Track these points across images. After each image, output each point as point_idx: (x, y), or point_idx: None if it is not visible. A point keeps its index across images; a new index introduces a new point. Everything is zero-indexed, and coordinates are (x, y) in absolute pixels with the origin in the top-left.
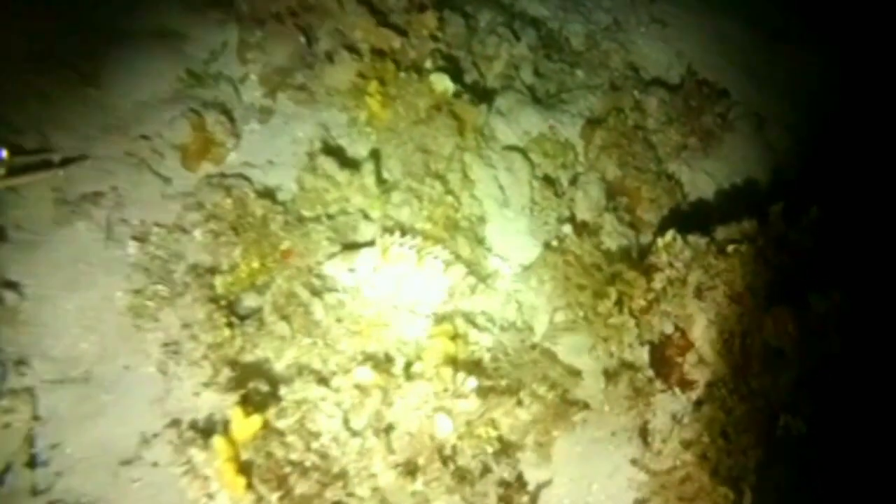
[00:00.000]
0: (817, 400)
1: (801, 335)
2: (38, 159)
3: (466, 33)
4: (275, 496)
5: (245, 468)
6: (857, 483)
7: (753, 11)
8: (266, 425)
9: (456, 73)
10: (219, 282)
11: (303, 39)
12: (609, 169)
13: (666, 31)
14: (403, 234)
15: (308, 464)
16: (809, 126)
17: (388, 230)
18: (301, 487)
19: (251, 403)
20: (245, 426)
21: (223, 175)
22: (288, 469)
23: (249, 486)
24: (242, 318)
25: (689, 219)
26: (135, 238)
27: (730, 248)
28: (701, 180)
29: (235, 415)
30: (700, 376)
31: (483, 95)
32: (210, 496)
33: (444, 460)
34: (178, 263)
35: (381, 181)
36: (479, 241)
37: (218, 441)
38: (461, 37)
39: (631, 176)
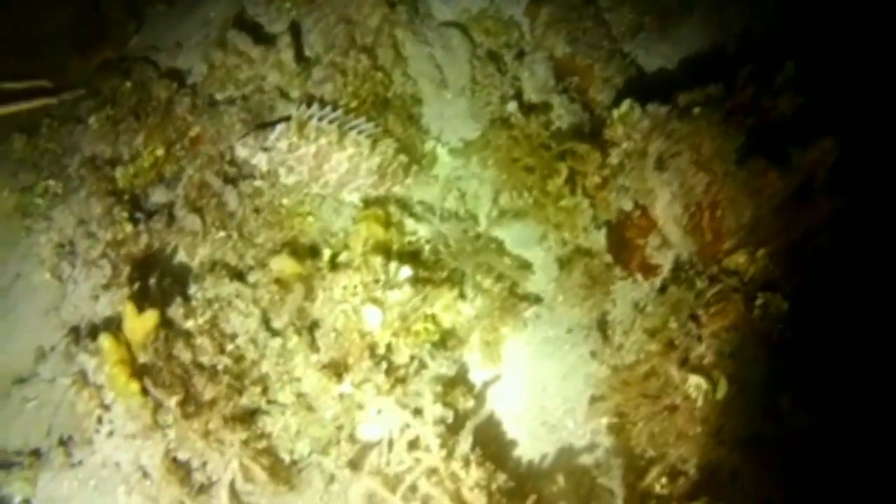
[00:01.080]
0: (800, 273)
1: (784, 191)
2: (29, 86)
3: None
4: (174, 400)
5: (143, 372)
6: (846, 366)
7: None
8: (167, 324)
9: None
10: (119, 174)
11: None
12: (558, 46)
13: None
14: (323, 106)
15: (220, 367)
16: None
17: (305, 103)
18: (210, 392)
19: (151, 302)
20: (139, 323)
21: (123, 59)
22: (195, 373)
23: (145, 391)
24: (150, 215)
25: (648, 97)
26: (21, 130)
27: (695, 110)
28: (659, 64)
29: (127, 311)
30: (664, 260)
31: None
32: (105, 407)
33: (377, 359)
34: (72, 157)
35: (300, 57)
36: (413, 121)
37: (105, 340)
38: None
39: (582, 53)
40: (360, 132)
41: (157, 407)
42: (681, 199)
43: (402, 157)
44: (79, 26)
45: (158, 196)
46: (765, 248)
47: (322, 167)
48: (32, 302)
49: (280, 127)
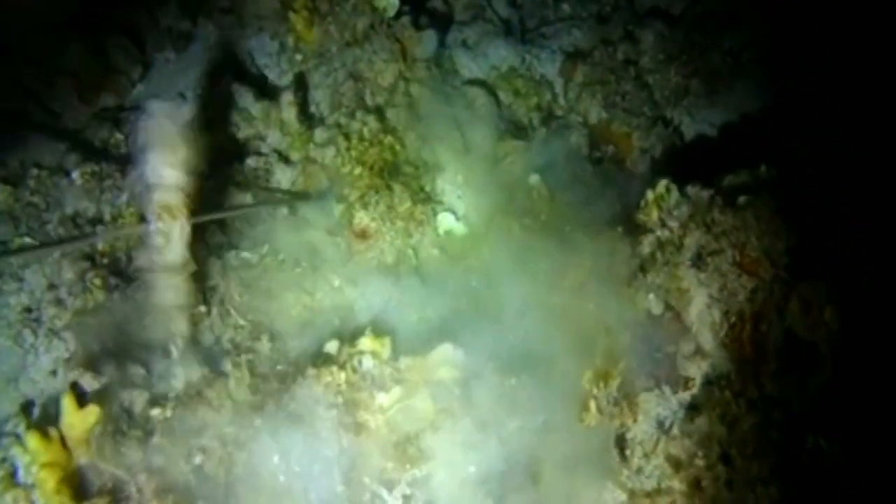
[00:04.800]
0: (862, 414)
1: (843, 326)
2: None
3: None
4: None
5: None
6: None
7: None
8: (123, 415)
9: None
10: None
11: None
12: (593, 111)
13: None
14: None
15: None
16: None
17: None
18: None
19: (106, 386)
20: (78, 419)
21: (121, 109)
22: (143, 479)
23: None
24: (130, 281)
25: (690, 171)
26: (6, 181)
27: (741, 199)
28: (705, 131)
29: (66, 404)
30: (697, 372)
31: (442, 24)
32: None
33: None
34: (53, 212)
35: (304, 116)
36: (424, 192)
37: (32, 439)
38: None
39: (619, 120)
40: None
41: None
42: (720, 305)
43: None
44: (82, 70)
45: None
46: (819, 377)
47: None
48: None
49: None
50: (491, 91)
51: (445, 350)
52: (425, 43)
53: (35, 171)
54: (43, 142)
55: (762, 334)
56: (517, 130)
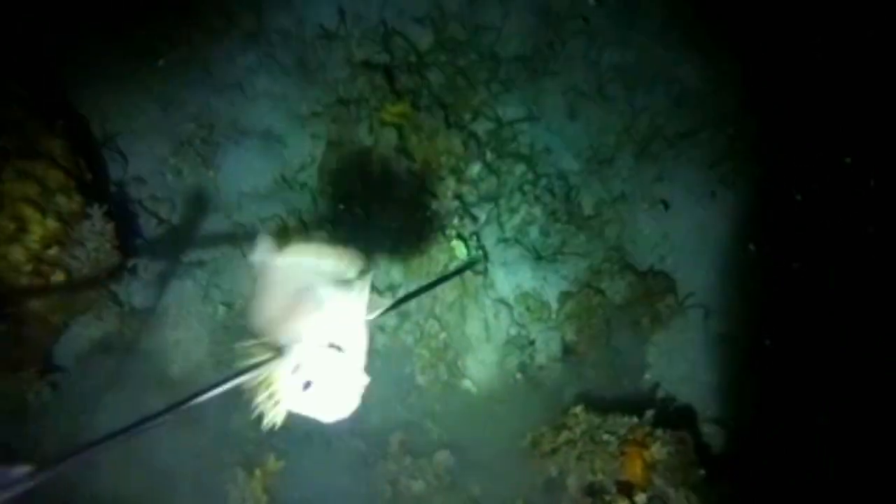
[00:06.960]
0: None
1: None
2: None
3: (497, 189)
4: None
5: None
6: None
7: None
8: None
9: (476, 230)
10: None
11: None
12: (569, 333)
13: (665, 214)
14: None
15: None
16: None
17: None
18: None
19: None
20: None
21: None
22: None
23: None
24: None
25: (614, 387)
26: (223, 303)
27: (604, 436)
28: (644, 355)
29: None
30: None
31: (492, 250)
32: None
33: None
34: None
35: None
36: (458, 368)
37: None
38: (492, 191)
39: (584, 343)
40: None
41: None
42: (583, 488)
43: None
44: (271, 234)
45: None
46: None
47: None
48: None
49: None
50: (510, 306)
51: (445, 454)
52: (477, 283)
53: (240, 301)
54: (245, 278)
55: None
56: (519, 337)
